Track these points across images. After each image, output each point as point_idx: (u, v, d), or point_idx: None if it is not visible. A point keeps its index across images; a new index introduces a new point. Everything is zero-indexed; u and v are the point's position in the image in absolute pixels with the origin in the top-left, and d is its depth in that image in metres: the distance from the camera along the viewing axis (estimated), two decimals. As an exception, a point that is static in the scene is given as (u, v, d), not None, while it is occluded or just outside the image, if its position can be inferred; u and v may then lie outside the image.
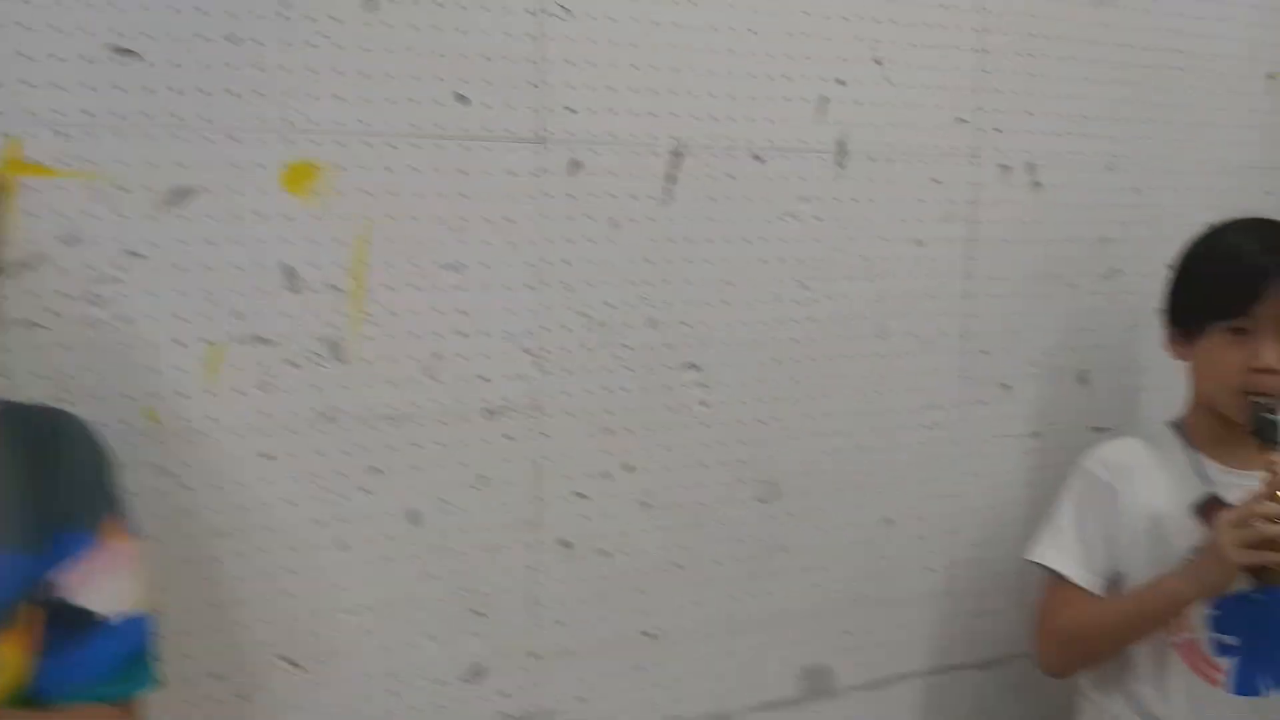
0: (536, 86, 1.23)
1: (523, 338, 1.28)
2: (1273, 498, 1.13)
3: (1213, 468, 1.30)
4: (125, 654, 0.87)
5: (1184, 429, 1.37)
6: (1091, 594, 1.30)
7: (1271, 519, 1.12)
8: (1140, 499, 1.31)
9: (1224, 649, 1.27)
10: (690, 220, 1.34)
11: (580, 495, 1.35)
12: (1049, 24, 1.51)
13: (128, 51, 1.06)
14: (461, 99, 1.21)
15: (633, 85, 1.27)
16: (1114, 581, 1.33)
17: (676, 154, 1.32)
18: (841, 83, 1.40)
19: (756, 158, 1.36)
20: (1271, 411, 1.22)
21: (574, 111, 1.26)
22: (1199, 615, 1.27)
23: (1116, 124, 1.59)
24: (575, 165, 1.27)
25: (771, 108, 1.36)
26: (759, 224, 1.38)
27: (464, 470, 1.28)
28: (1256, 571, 1.16)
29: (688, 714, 1.44)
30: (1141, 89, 1.59)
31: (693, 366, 1.38)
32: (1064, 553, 1.32)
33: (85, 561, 0.84)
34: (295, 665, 1.20)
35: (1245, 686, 1.26)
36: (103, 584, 0.84)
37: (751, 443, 1.43)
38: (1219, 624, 1.27)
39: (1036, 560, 1.36)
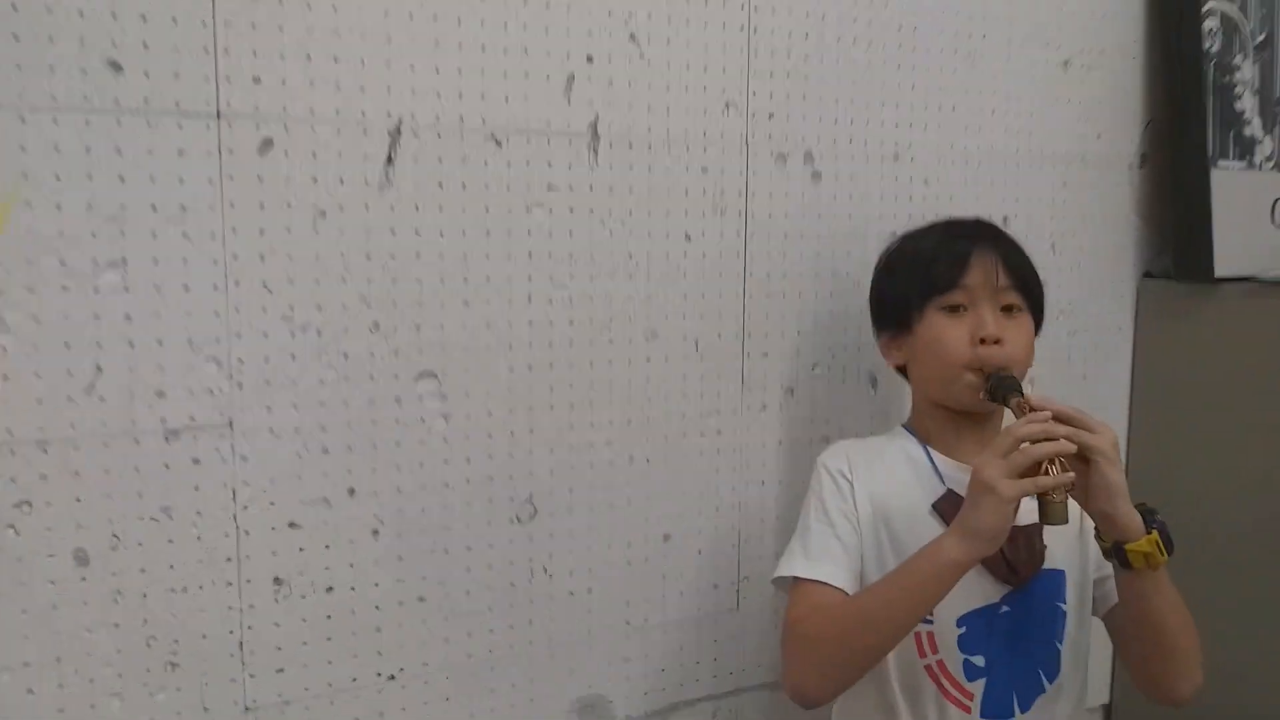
0: (211, 52, 1.02)
1: (209, 346, 1.07)
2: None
3: (947, 464, 1.17)
4: None
5: (914, 431, 1.24)
6: (845, 592, 1.14)
7: (1034, 440, 0.98)
8: (875, 494, 1.17)
9: (974, 670, 1.13)
10: (416, 210, 1.15)
11: (293, 525, 1.14)
12: (826, 2, 1.36)
13: None
14: (114, 66, 0.99)
15: (338, 53, 1.09)
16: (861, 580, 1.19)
17: (394, 132, 1.12)
18: (591, 60, 1.21)
19: (493, 140, 1.17)
20: (1007, 369, 1.13)
21: (261, 82, 1.05)
22: (950, 634, 1.13)
23: (903, 110, 1.45)
24: (266, 144, 1.06)
25: (510, 84, 1.19)
26: (501, 215, 1.20)
27: (140, 501, 1.07)
28: (1039, 510, 1.00)
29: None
30: (930, 74, 1.46)
31: (429, 375, 1.19)
32: (812, 559, 1.16)
33: None
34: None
35: (995, 709, 1.13)
36: None
37: (503, 458, 1.25)
38: (966, 643, 1.13)
39: (783, 575, 1.19)
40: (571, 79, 1.23)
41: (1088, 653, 1.22)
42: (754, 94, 1.35)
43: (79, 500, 1.05)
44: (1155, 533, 1.01)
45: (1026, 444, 0.99)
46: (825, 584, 1.12)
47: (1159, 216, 1.73)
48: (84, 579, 1.06)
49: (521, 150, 1.21)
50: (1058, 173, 1.63)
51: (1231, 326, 1.62)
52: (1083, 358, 1.70)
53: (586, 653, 1.35)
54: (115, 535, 1.06)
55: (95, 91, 1.00)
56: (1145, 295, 1.76)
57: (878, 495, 1.18)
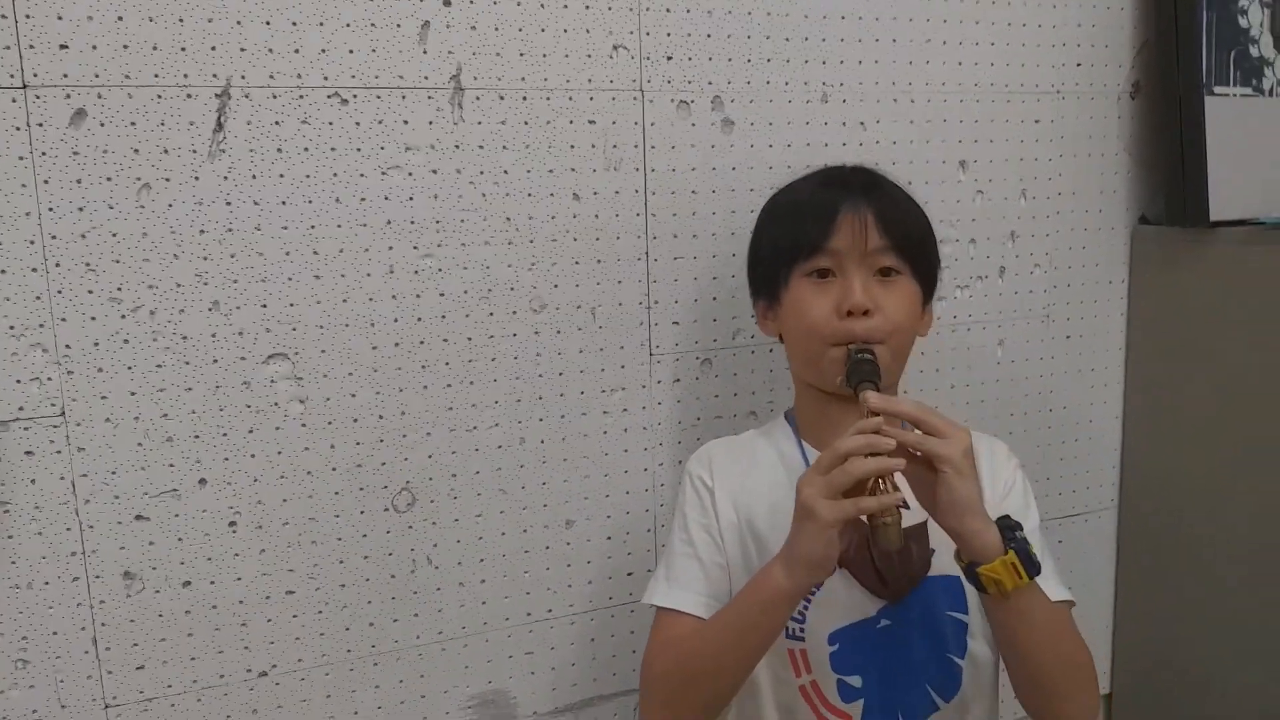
0: (10, 16, 0.98)
1: (32, 332, 1.04)
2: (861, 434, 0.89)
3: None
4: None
5: (794, 419, 1.15)
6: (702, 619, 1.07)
7: (858, 454, 0.87)
8: (738, 499, 1.08)
9: (849, 691, 1.05)
10: (253, 179, 1.10)
11: (140, 518, 1.12)
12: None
13: None
14: None
15: (152, 12, 1.03)
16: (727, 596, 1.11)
17: (223, 95, 1.07)
18: (449, 3, 1.14)
19: (338, 98, 1.11)
20: (868, 351, 1.00)
21: (67, 48, 1.01)
22: (822, 652, 1.04)
23: (830, 44, 1.35)
24: (79, 115, 1.02)
25: (354, 36, 1.12)
26: (351, 180, 1.14)
27: (-30, 501, 1.04)
28: (870, 533, 0.90)
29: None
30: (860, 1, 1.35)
31: (279, 356, 1.15)
32: (672, 583, 1.08)
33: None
34: None
35: None
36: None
37: (371, 443, 1.21)
38: (839, 663, 1.04)
39: (648, 603, 1.12)
40: (426, 25, 1.16)
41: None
42: (647, 34, 1.26)
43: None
44: (1012, 553, 0.90)
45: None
46: (680, 613, 1.04)
47: (1154, 155, 1.59)
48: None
49: (371, 108, 1.15)
50: (1027, 109, 1.50)
51: (1233, 275, 1.48)
52: (1065, 316, 1.58)
53: (482, 646, 1.31)
54: (-61, 535, 1.04)
55: None
56: (1140, 243, 1.62)
57: (741, 500, 1.08)
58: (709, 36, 1.29)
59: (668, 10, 1.26)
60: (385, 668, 1.26)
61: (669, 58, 1.27)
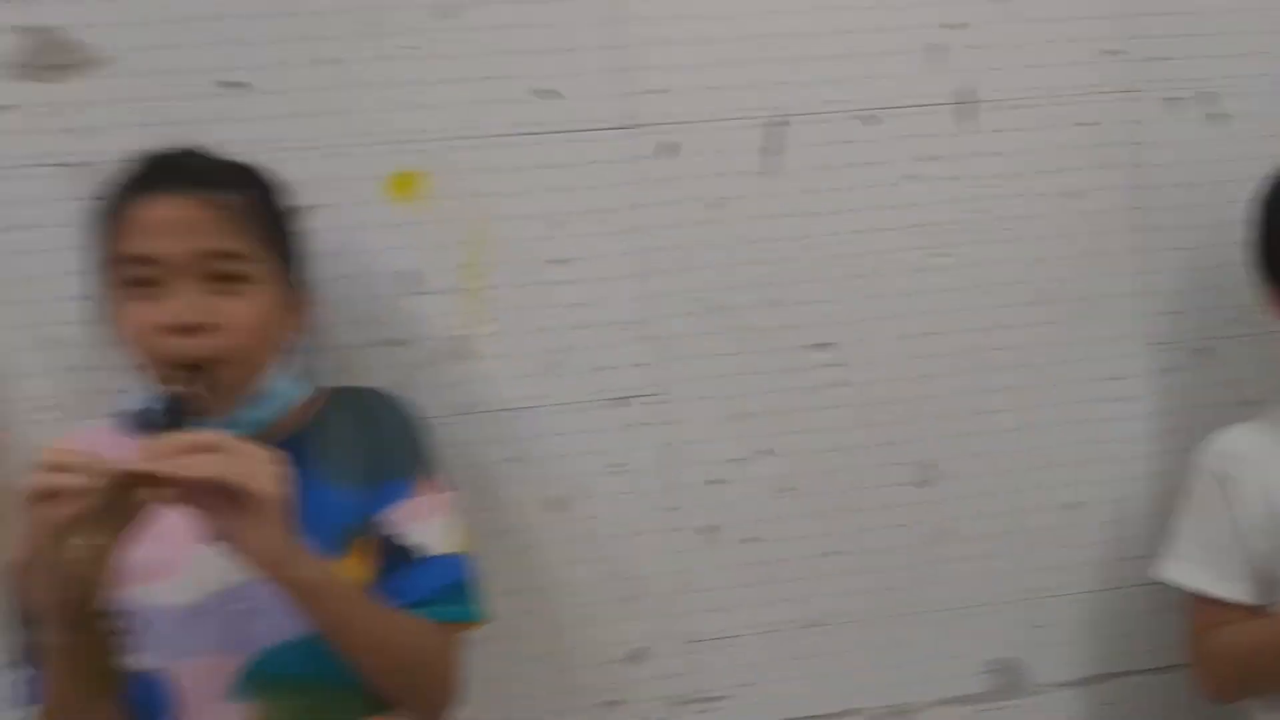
0: (620, 71, 1.13)
1: (639, 326, 1.17)
2: None
3: None
4: (447, 583, 0.92)
5: None
6: (1245, 606, 0.99)
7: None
8: (1259, 489, 0.99)
9: None
10: (799, 192, 1.19)
11: (718, 481, 1.20)
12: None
13: (238, 84, 1.07)
14: (550, 94, 1.13)
15: (722, 58, 1.16)
16: (1269, 583, 1.01)
17: (776, 125, 1.17)
18: (954, 27, 1.19)
19: (866, 119, 1.18)
20: None
21: (662, 93, 1.15)
22: None
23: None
24: (668, 147, 1.16)
25: (877, 64, 1.19)
26: (878, 190, 1.20)
27: (598, 458, 1.18)
28: None
29: (866, 705, 1.25)
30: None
31: (824, 346, 1.21)
32: (1196, 564, 1.02)
33: (406, 505, 0.90)
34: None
35: None
36: (422, 524, 0.91)
37: (900, 423, 1.24)
38: None
39: (1166, 578, 1.05)
40: (935, 49, 1.20)
41: None
42: (1135, 38, 1.23)
43: (554, 457, 1.16)
44: None
45: None
46: (1215, 597, 1.02)
47: None
48: (559, 524, 1.17)
49: (892, 126, 1.21)
50: None
51: None
52: None
53: (995, 616, 1.28)
54: (581, 488, 1.17)
55: (538, 116, 1.13)
56: None
57: (1259, 490, 1.03)
58: (1198, 36, 1.24)
59: (1154, 13, 1.22)
60: (911, 627, 1.26)
61: (1158, 59, 1.23)
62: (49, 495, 0.71)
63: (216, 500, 0.75)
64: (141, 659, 0.85)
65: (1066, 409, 1.28)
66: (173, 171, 0.88)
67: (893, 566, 1.26)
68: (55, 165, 1.08)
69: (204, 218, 0.85)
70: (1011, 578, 1.29)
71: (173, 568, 0.85)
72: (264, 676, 0.88)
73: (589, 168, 1.16)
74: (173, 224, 0.85)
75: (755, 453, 1.22)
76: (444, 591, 0.92)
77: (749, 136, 1.18)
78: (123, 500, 0.71)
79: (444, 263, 1.15)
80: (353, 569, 0.90)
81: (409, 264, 1.14)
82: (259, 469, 0.75)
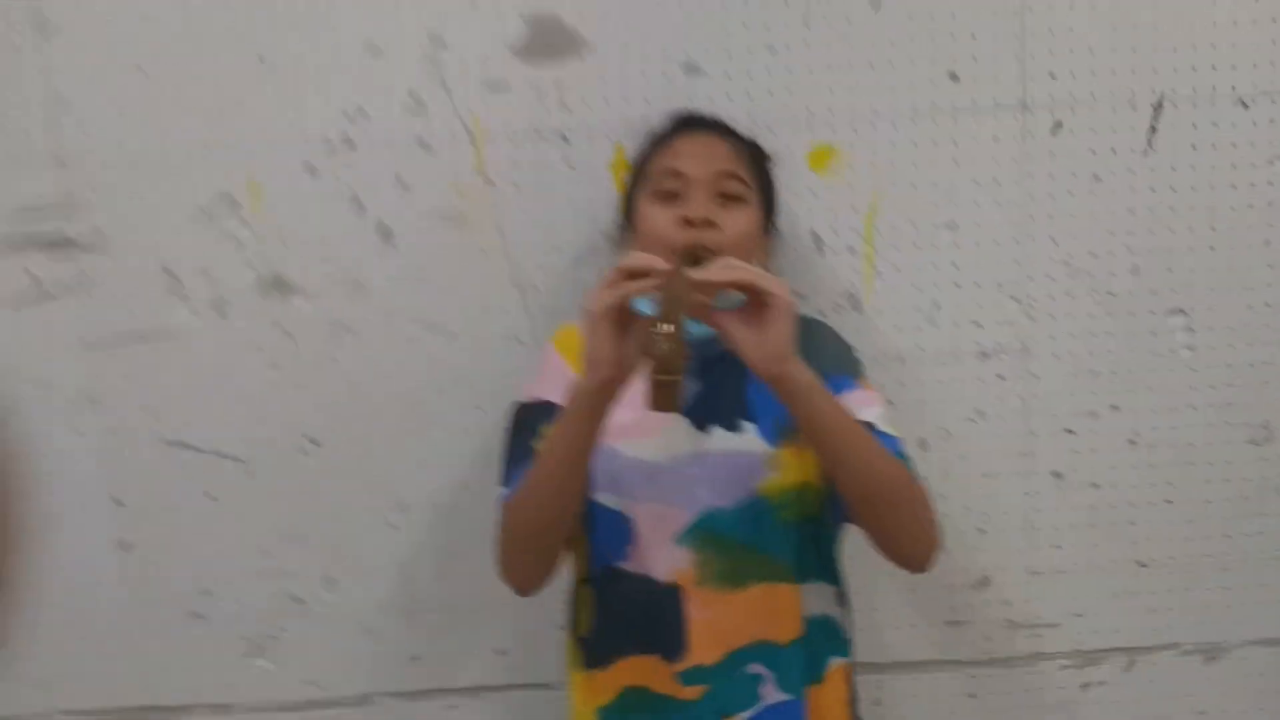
0: (1019, 59, 1.25)
1: (1010, 287, 1.30)
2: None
3: None
4: (899, 452, 1.02)
5: None
6: None
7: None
8: None
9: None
10: (1172, 169, 1.29)
11: (1069, 431, 1.33)
12: None
13: (696, 69, 1.23)
14: (953, 77, 1.26)
15: (1112, 45, 1.26)
16: None
17: (1157, 106, 1.27)
18: None
19: (1241, 104, 1.27)
20: None
21: (1055, 77, 1.26)
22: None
23: None
24: (1057, 126, 1.27)
25: (1256, 52, 1.27)
26: (1244, 170, 1.30)
27: (962, 405, 1.32)
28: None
29: (1184, 640, 1.36)
30: None
31: (1179, 311, 1.31)
32: None
33: (851, 395, 1.03)
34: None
35: None
36: (867, 410, 1.03)
37: (1240, 386, 1.34)
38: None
39: None
40: None
41: None
42: None
43: (921, 402, 1.31)
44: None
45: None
46: None
47: None
48: (925, 462, 1.31)
49: (1265, 110, 1.28)
50: None
51: None
52: None
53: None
54: (945, 430, 1.31)
55: (942, 97, 1.26)
56: None
57: None
58: None
59: None
60: (1232, 574, 1.39)
61: None
62: (634, 275, 0.89)
63: (740, 313, 0.91)
64: (611, 498, 1.03)
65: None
66: (699, 119, 1.15)
67: (1221, 517, 1.36)
68: (547, 132, 1.26)
69: (720, 150, 1.09)
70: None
71: (648, 431, 1.02)
72: (702, 531, 1.03)
73: (982, 144, 1.28)
74: (699, 151, 1.08)
75: (1105, 407, 1.34)
76: (897, 454, 1.00)
77: (1131, 117, 1.28)
78: (680, 300, 0.86)
79: (845, 226, 1.29)
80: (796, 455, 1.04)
81: (813, 224, 1.28)
82: (779, 282, 0.90)
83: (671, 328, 0.82)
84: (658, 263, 0.91)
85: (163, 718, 1.41)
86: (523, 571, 1.05)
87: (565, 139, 1.27)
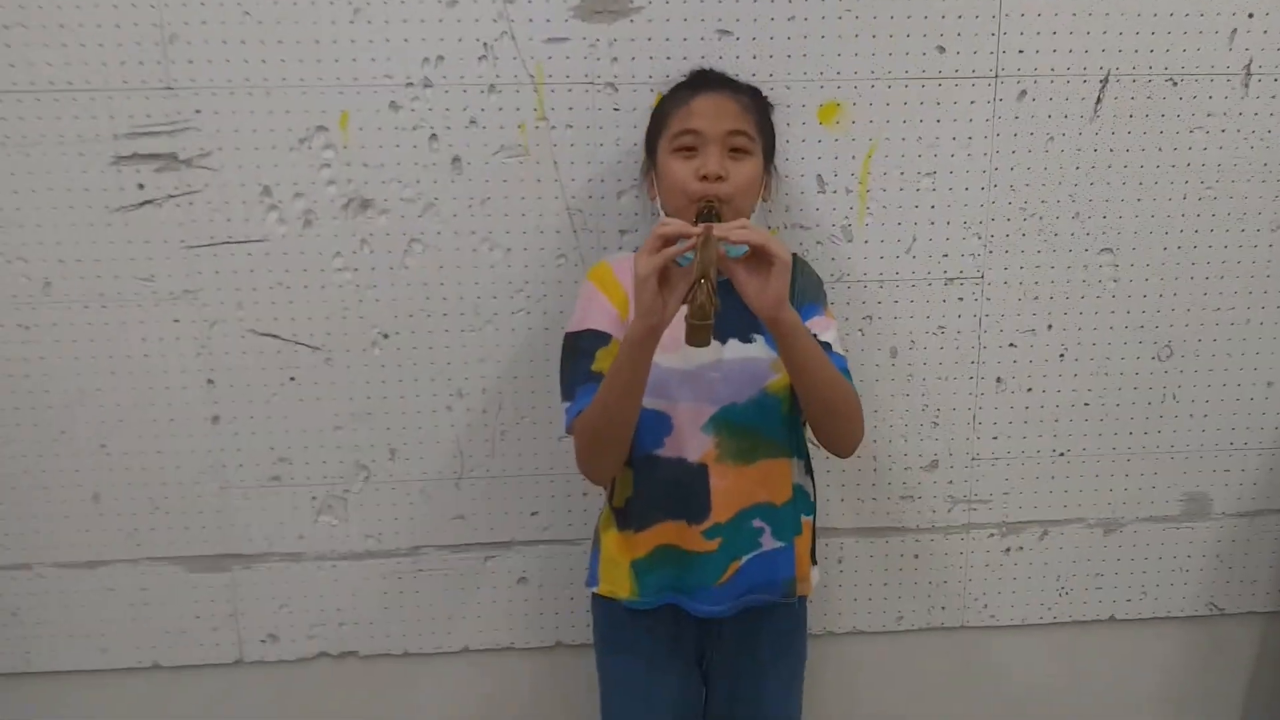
0: (994, 36, 1.72)
1: (974, 226, 1.81)
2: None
3: None
4: (843, 367, 1.48)
5: None
6: None
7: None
8: None
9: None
10: (1113, 135, 1.78)
11: (1011, 345, 1.87)
12: None
13: (726, 32, 1.68)
14: (941, 50, 1.72)
15: (1070, 29, 1.73)
16: None
17: (1104, 81, 1.76)
18: (1250, 15, 1.76)
19: (1171, 81, 1.77)
20: None
21: (1023, 53, 1.74)
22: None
23: None
24: (1022, 94, 1.76)
25: (1187, 39, 1.75)
26: (1170, 136, 1.80)
27: (928, 321, 1.84)
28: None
29: (1089, 516, 1.94)
30: None
31: (1108, 250, 1.84)
32: None
33: (815, 319, 1.50)
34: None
35: None
36: (825, 332, 1.49)
37: (1151, 313, 1.87)
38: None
39: None
40: (1234, 32, 1.77)
41: None
42: (1385, 30, 1.79)
43: (896, 318, 1.83)
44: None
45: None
46: None
47: None
48: (892, 370, 1.84)
49: (1190, 88, 1.78)
50: None
51: None
52: None
53: (1197, 461, 1.95)
54: (913, 341, 1.84)
55: (931, 65, 1.73)
56: None
57: None
58: None
59: (1404, 12, 1.77)
60: (1133, 464, 1.95)
61: (1400, 48, 1.78)
62: (670, 240, 1.28)
63: (748, 262, 1.31)
64: (653, 401, 1.46)
65: (1275, 310, 1.90)
66: (711, 79, 1.56)
67: (1127, 417, 1.93)
68: (600, 84, 1.70)
69: (730, 108, 1.49)
70: (1211, 433, 1.95)
71: (681, 345, 1.31)
72: (723, 420, 1.49)
73: (961, 106, 1.76)
74: (712, 110, 1.48)
75: (1043, 326, 1.88)
76: (844, 371, 1.46)
77: (1082, 89, 1.77)
78: (710, 260, 1.25)
79: (844, 170, 1.77)
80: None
81: (821, 170, 1.77)
82: (781, 244, 1.31)
83: (705, 284, 1.21)
84: (688, 229, 1.29)
85: (241, 564, 1.90)
86: (598, 469, 1.50)
87: (614, 87, 1.71)
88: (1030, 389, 1.89)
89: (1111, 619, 2.02)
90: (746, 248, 1.33)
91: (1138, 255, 1.84)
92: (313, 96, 1.68)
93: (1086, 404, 1.90)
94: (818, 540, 1.66)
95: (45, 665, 1.90)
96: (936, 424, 1.88)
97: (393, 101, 1.69)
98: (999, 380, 1.87)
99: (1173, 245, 1.85)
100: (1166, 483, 1.96)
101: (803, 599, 1.64)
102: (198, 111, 1.68)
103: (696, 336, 1.22)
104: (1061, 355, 1.88)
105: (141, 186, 1.70)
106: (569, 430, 1.49)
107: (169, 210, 1.71)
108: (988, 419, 1.89)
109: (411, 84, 1.68)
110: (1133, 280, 1.86)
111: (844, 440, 1.51)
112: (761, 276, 1.32)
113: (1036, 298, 1.85)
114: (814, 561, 1.64)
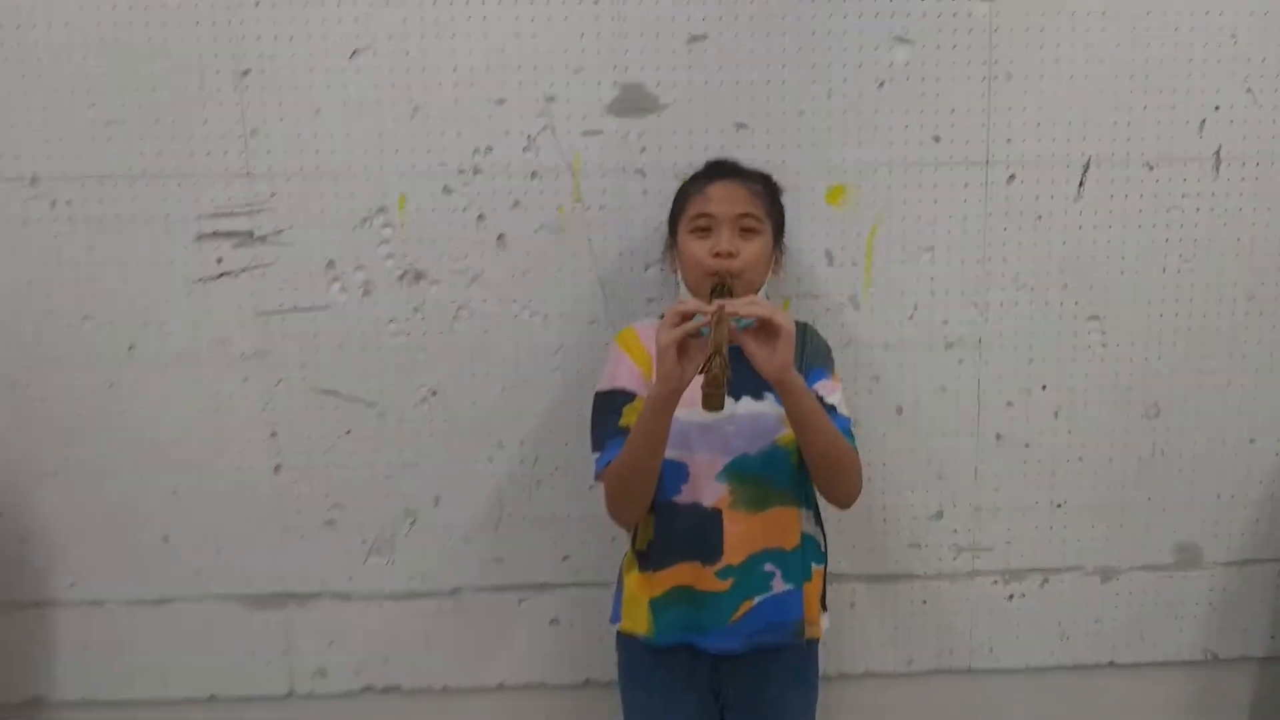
0: (985, 127, 2.08)
1: (971, 295, 2.14)
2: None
3: None
4: (846, 428, 1.75)
5: None
6: None
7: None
8: None
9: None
10: (1096, 214, 2.12)
11: (1009, 404, 2.19)
12: None
13: (744, 125, 2.04)
14: (936, 139, 2.08)
15: (1054, 119, 2.07)
16: None
17: (1086, 166, 2.11)
18: (1217, 108, 2.10)
19: (1147, 166, 2.12)
20: None
21: (1011, 141, 2.09)
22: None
23: None
24: (1011, 178, 2.11)
25: (1161, 128, 2.10)
26: (1149, 214, 2.13)
27: (930, 382, 2.17)
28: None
29: (1087, 564, 2.25)
30: None
31: (1095, 318, 2.17)
32: None
33: (822, 383, 1.78)
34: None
35: None
36: (831, 395, 1.77)
37: (1139, 373, 2.19)
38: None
39: None
40: (1203, 122, 2.12)
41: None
42: (1347, 119, 2.13)
43: (900, 379, 2.17)
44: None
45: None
46: None
47: None
48: (900, 425, 2.18)
49: (1166, 171, 2.12)
50: None
51: None
52: None
53: (1187, 513, 2.25)
54: (916, 401, 2.18)
55: (927, 153, 2.09)
56: None
57: None
58: (1391, 118, 2.12)
59: (1363, 102, 2.11)
60: (1127, 515, 2.26)
61: (1361, 134, 2.12)
62: (689, 315, 1.55)
63: (756, 333, 1.57)
64: (673, 452, 1.72)
65: (1254, 374, 2.22)
66: (724, 168, 1.87)
67: (1119, 471, 2.24)
68: (629, 170, 2.07)
69: (741, 195, 1.80)
70: (1200, 486, 2.26)
71: (697, 403, 1.53)
72: (736, 471, 1.76)
73: (955, 189, 2.11)
74: (724, 196, 1.79)
75: (1038, 387, 2.21)
76: (846, 431, 1.73)
77: (1066, 173, 2.12)
78: (723, 334, 1.52)
79: (850, 245, 2.13)
80: None
81: (829, 245, 2.12)
82: (786, 316, 1.57)
83: (719, 358, 1.50)
84: (703, 306, 1.58)
85: (297, 602, 2.23)
86: (625, 513, 1.77)
87: (642, 174, 2.07)
88: (1028, 444, 2.21)
89: (1111, 664, 2.30)
90: (755, 320, 1.63)
91: (1123, 321, 2.17)
92: (375, 182, 2.04)
93: (1080, 459, 2.22)
94: (829, 586, 1.95)
95: (112, 695, 2.23)
96: (941, 477, 2.20)
97: (446, 186, 2.05)
98: (998, 436, 2.20)
99: (1155, 313, 2.17)
100: (1159, 533, 2.26)
101: (812, 641, 1.91)
102: (273, 195, 2.05)
103: (711, 403, 1.50)
104: (1056, 414, 2.20)
105: (220, 260, 2.07)
106: (598, 478, 1.79)
107: (243, 281, 2.08)
108: (988, 472, 2.21)
109: (463, 171, 2.05)
110: (1120, 344, 2.18)
111: (842, 492, 1.78)
112: (769, 345, 1.59)
113: (1031, 361, 2.18)
114: (824, 608, 1.90)
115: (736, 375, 1.59)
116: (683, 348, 1.58)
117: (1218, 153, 2.11)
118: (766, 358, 1.60)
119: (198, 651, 2.22)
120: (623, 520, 1.81)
